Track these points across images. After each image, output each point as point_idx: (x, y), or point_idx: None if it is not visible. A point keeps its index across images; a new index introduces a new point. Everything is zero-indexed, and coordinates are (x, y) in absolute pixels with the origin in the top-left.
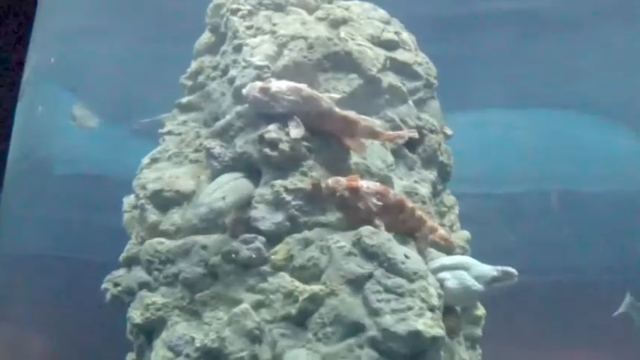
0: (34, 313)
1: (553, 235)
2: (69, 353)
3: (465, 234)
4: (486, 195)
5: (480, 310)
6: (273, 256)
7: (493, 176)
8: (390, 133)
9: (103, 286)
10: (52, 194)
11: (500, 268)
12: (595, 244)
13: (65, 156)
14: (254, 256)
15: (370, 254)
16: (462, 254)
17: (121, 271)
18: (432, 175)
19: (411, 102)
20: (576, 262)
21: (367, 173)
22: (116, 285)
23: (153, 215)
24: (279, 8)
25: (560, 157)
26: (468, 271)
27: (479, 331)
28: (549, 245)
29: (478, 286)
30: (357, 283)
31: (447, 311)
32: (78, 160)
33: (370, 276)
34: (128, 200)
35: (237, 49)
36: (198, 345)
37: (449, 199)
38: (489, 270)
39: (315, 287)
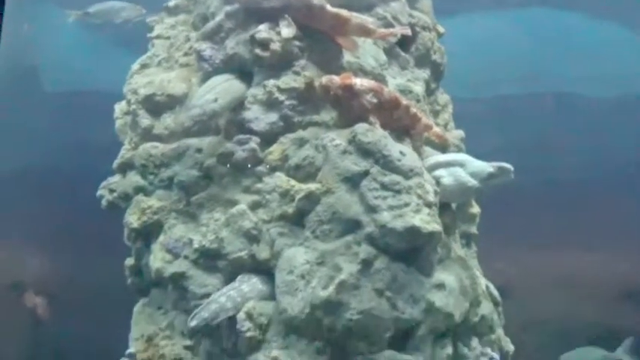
0: (30, 225)
1: (542, 135)
2: (66, 264)
3: (460, 133)
4: (475, 99)
5: (475, 208)
6: (268, 157)
7: (483, 79)
8: (383, 30)
9: (99, 193)
10: (41, 109)
11: (495, 164)
12: (585, 144)
13: (53, 71)
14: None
15: (366, 152)
16: (457, 152)
17: (116, 177)
18: (425, 73)
19: None
20: (568, 162)
21: (360, 72)
22: (111, 191)
23: (145, 120)
24: None
25: (550, 57)
26: (464, 168)
27: (474, 229)
28: (539, 146)
29: (474, 182)
30: (353, 181)
31: (443, 208)
32: (65, 75)
33: (366, 173)
34: (120, 107)
35: None
36: (196, 246)
37: (443, 97)
38: (485, 166)
39: (312, 186)
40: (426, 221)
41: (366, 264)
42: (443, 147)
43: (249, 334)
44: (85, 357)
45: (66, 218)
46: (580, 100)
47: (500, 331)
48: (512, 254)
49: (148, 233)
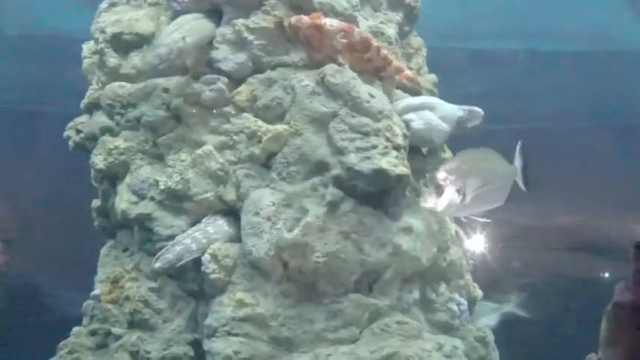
0: None
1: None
2: (32, 201)
3: (432, 77)
4: (451, 49)
5: (447, 153)
6: (236, 97)
7: (460, 30)
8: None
9: (65, 133)
10: (4, 52)
11: (466, 107)
12: (558, 96)
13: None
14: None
15: (334, 93)
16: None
17: (83, 118)
18: (398, 16)
19: None
20: (544, 111)
21: (332, 12)
22: (78, 132)
23: (113, 59)
24: None
25: (529, 12)
26: (434, 111)
27: None
28: (512, 97)
29: (444, 126)
30: (321, 122)
31: (413, 152)
32: (28, 18)
33: (334, 115)
34: (88, 46)
35: None
36: (162, 187)
37: (416, 40)
38: (455, 109)
39: (279, 127)
40: (394, 164)
41: (333, 206)
42: (414, 91)
43: (214, 275)
44: (49, 301)
45: (27, 161)
46: (554, 55)
47: (468, 277)
48: None
49: (115, 174)
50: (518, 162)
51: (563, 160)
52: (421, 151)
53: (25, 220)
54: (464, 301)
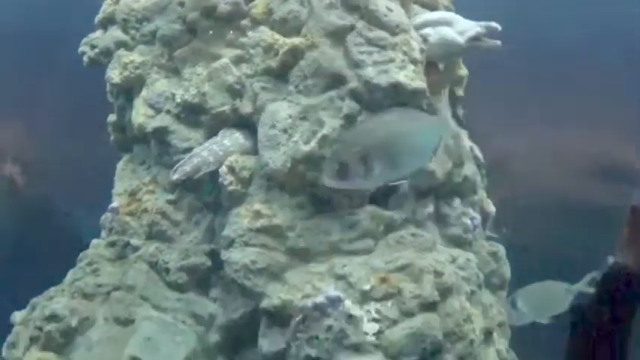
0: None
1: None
2: (42, 131)
3: None
4: None
5: (463, 70)
6: (252, 10)
7: None
8: None
9: (80, 49)
10: None
11: (483, 23)
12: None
13: None
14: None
15: (352, 6)
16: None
17: (98, 33)
18: None
19: None
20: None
21: None
22: (93, 47)
23: None
24: None
25: None
26: (451, 27)
27: (461, 92)
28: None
29: (460, 40)
30: (337, 36)
31: (429, 66)
32: None
33: (351, 28)
34: None
35: None
36: (178, 100)
37: None
38: (473, 25)
39: (296, 40)
40: (411, 78)
41: (349, 119)
42: (432, 7)
43: (231, 187)
44: (67, 221)
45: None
46: None
47: (482, 193)
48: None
49: (130, 88)
50: None
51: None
52: (437, 66)
53: (43, 141)
54: (477, 215)
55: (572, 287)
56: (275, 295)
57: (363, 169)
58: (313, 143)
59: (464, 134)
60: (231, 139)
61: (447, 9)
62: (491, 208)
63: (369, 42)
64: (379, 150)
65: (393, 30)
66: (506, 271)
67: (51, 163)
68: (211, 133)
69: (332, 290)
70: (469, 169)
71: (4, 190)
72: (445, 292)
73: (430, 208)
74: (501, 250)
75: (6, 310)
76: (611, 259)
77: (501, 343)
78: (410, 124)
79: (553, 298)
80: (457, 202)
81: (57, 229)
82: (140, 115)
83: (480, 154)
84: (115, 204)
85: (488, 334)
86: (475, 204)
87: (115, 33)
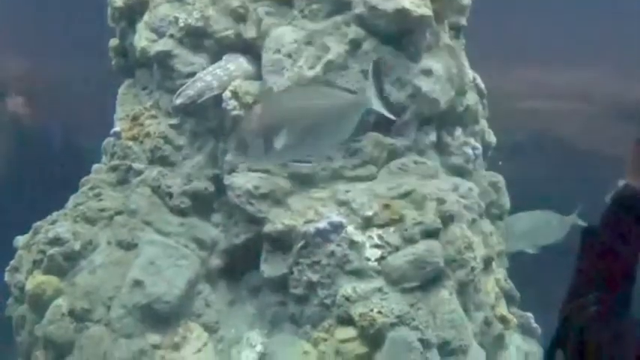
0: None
1: None
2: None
3: None
4: None
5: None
6: None
7: None
8: None
9: None
10: None
11: None
12: None
13: None
14: None
15: None
16: None
17: None
18: None
19: None
20: None
21: None
22: None
23: None
24: None
25: None
26: None
27: (463, 21)
28: None
29: None
30: None
31: None
32: None
33: None
34: None
35: None
36: (182, 25)
37: None
38: None
39: None
40: (417, 4)
41: (355, 45)
42: None
43: (234, 112)
44: (72, 150)
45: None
46: None
47: (484, 123)
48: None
49: (133, 12)
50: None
51: None
52: None
53: (46, 72)
54: (479, 145)
55: (567, 218)
56: (278, 220)
57: (263, 144)
58: (318, 68)
59: (467, 64)
60: (235, 64)
61: None
62: (492, 139)
63: None
64: (292, 124)
65: None
66: (506, 202)
67: (53, 92)
68: (215, 57)
69: (334, 216)
70: (471, 99)
71: (7, 120)
72: (447, 219)
73: (432, 137)
74: (501, 180)
75: (8, 235)
76: (621, 182)
77: (500, 272)
78: (327, 100)
79: (544, 228)
80: (459, 131)
81: (61, 159)
82: (143, 39)
83: (482, 84)
84: (117, 128)
85: (488, 262)
86: (477, 134)
87: None
